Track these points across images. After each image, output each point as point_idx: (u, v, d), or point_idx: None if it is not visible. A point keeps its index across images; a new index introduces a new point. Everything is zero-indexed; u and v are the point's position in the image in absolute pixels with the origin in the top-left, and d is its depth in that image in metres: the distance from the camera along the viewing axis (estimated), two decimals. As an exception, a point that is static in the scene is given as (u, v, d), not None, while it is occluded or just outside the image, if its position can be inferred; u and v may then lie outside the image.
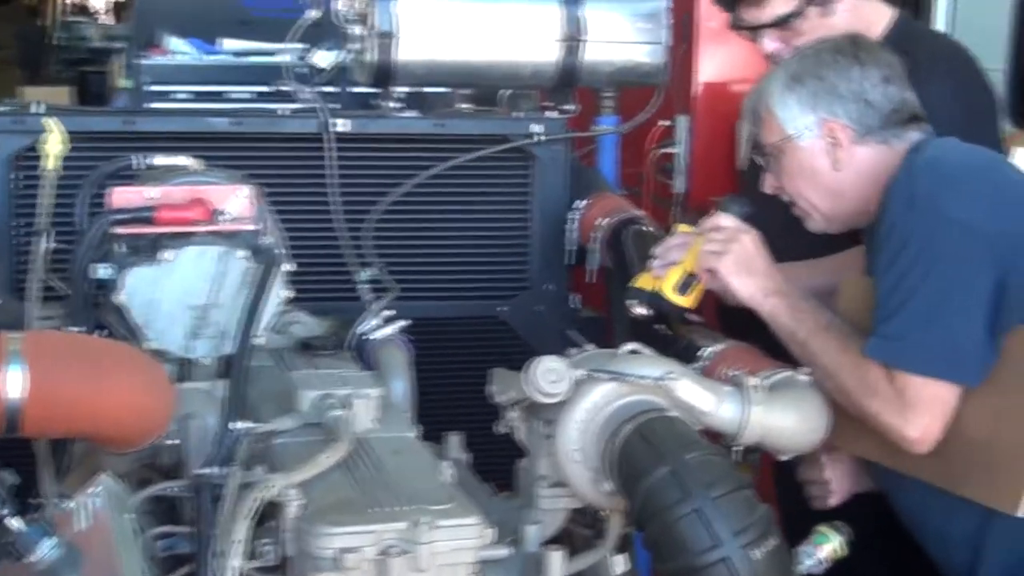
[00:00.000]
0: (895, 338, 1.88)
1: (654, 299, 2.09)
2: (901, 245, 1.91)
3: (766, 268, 2.06)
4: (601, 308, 2.79)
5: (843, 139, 2.06)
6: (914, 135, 2.08)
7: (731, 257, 2.04)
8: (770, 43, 2.54)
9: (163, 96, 3.09)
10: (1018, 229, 1.91)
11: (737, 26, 2.59)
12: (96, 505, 1.45)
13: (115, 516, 1.42)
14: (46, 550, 1.39)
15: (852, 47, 2.12)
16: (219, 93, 3.06)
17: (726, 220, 2.10)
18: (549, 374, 1.71)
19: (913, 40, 2.59)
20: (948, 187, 1.93)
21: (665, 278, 2.09)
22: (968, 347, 1.88)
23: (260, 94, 3.05)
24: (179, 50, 3.24)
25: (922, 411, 1.87)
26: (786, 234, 2.18)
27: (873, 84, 2.07)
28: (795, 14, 2.49)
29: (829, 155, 2.07)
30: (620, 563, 1.89)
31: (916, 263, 1.88)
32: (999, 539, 1.93)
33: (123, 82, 3.72)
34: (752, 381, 1.81)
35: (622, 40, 2.73)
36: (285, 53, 2.88)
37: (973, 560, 1.96)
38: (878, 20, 2.59)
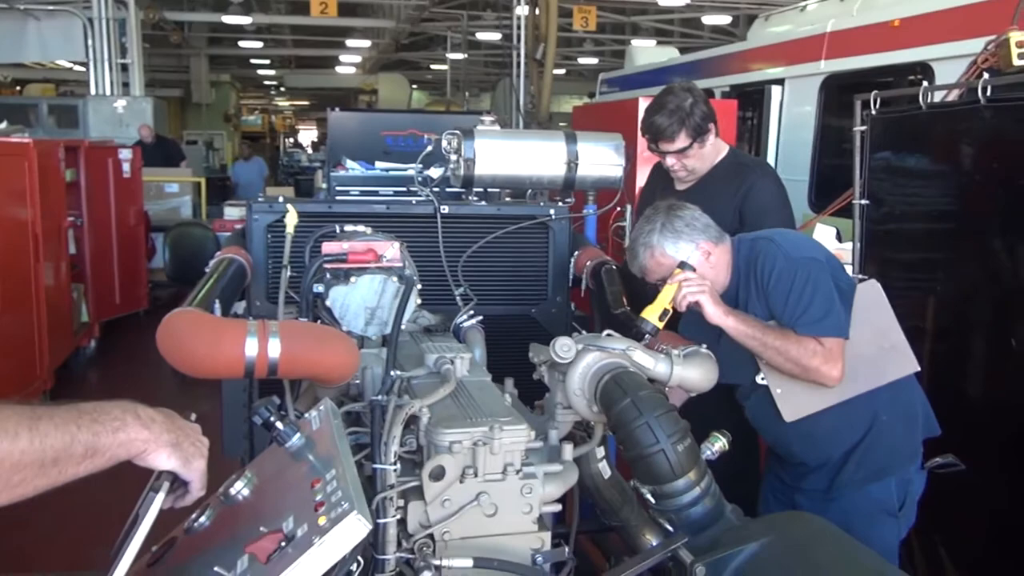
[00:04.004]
0: (817, 320, 1.90)
1: (644, 323, 1.99)
2: (790, 278, 1.92)
3: (721, 300, 2.01)
4: (587, 311, 2.76)
5: (710, 249, 2.04)
6: (728, 237, 2.09)
7: (708, 295, 1.97)
8: (670, 160, 2.61)
9: (345, 193, 3.11)
10: (824, 258, 1.99)
11: (653, 151, 2.64)
12: (322, 415, 1.44)
13: (333, 421, 1.40)
14: (295, 440, 1.35)
15: (680, 206, 2.08)
16: (376, 191, 3.07)
17: (690, 272, 2.01)
18: (563, 347, 1.70)
19: (743, 158, 2.75)
20: (791, 245, 1.99)
21: (652, 311, 1.98)
22: (845, 318, 1.93)
23: (398, 192, 3.06)
24: (352, 167, 3.25)
25: (837, 358, 1.91)
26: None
27: (699, 218, 2.05)
28: (687, 147, 2.55)
29: (708, 260, 2.04)
30: (601, 451, 1.87)
31: (806, 282, 1.91)
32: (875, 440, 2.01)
33: (322, 185, 3.73)
34: (675, 352, 1.79)
35: (599, 163, 2.71)
36: (412, 169, 2.89)
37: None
38: (722, 148, 2.68)
